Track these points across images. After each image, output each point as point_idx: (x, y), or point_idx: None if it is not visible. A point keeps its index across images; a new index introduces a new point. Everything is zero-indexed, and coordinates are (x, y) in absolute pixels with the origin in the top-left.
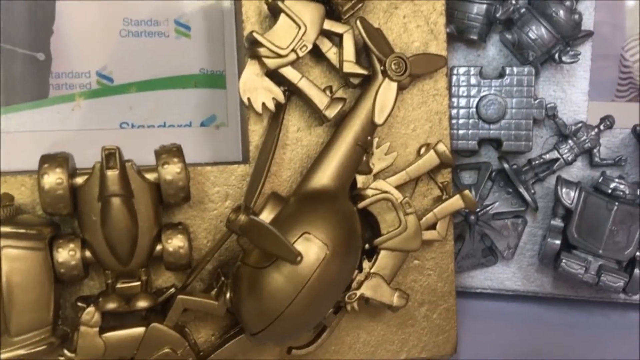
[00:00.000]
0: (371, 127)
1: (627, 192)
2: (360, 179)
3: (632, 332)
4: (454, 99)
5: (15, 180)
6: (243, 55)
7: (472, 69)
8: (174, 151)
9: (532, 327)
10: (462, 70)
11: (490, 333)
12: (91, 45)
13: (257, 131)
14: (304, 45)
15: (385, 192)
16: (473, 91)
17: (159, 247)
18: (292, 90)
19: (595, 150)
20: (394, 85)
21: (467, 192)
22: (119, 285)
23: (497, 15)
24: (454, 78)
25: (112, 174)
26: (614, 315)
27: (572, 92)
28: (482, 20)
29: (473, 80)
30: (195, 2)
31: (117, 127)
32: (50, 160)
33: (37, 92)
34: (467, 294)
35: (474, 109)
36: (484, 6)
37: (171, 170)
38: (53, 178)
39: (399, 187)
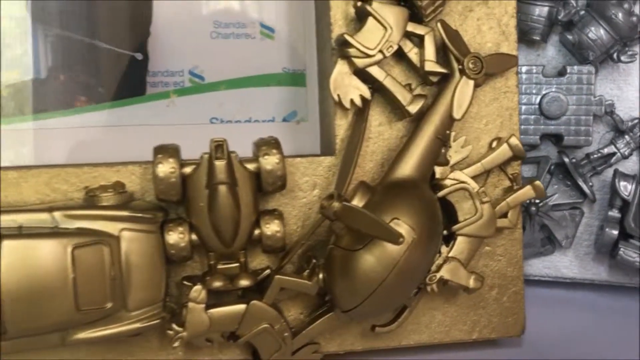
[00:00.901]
0: (450, 121)
1: None
2: (439, 170)
3: None
4: (521, 97)
5: (126, 170)
6: (323, 55)
7: (534, 67)
8: (273, 143)
9: (587, 313)
10: (524, 69)
11: (547, 318)
12: (184, 46)
13: (342, 125)
14: (390, 46)
15: (463, 182)
16: (536, 89)
17: (256, 232)
18: (376, 88)
19: None
20: (471, 83)
21: (538, 182)
22: (219, 266)
23: (560, 17)
24: (522, 76)
25: (220, 163)
26: None
27: (628, 90)
28: (544, 22)
29: (536, 79)
30: (279, 6)
31: (208, 122)
32: (163, 150)
33: (135, 89)
34: (525, 281)
35: (537, 106)
36: (546, 8)
37: (271, 161)
38: (167, 167)
39: (473, 178)
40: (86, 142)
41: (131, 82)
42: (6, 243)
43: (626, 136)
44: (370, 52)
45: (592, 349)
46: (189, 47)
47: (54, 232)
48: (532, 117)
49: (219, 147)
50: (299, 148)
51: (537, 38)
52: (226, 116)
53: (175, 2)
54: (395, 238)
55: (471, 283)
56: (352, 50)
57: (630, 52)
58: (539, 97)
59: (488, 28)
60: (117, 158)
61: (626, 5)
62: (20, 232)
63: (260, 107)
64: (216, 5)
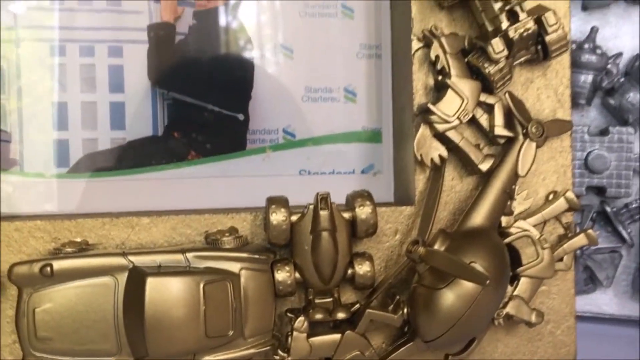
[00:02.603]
0: (515, 178)
1: None
2: (504, 219)
3: None
4: None
5: (239, 216)
6: (401, 117)
7: (582, 127)
8: (366, 196)
9: (625, 347)
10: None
11: (590, 351)
12: (279, 108)
13: (421, 179)
14: (466, 114)
15: (526, 230)
16: (581, 147)
17: (350, 271)
18: (451, 148)
19: None
20: (534, 144)
21: (590, 231)
22: (317, 301)
23: (603, 85)
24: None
25: (324, 213)
26: None
27: None
28: (589, 88)
29: (581, 138)
30: (361, 74)
31: (297, 174)
32: (276, 201)
33: (237, 145)
34: None
35: (583, 162)
36: (590, 76)
37: (365, 211)
38: (280, 216)
39: (534, 226)
40: (196, 191)
41: (233, 139)
42: (150, 280)
43: None
44: (449, 119)
45: None
46: (283, 108)
47: (189, 271)
48: (578, 171)
49: (323, 199)
50: (374, 196)
51: (583, 102)
52: (313, 168)
53: (273, 70)
54: (483, 279)
55: (533, 318)
56: (434, 117)
57: None
58: (584, 154)
59: (546, 97)
60: (221, 205)
61: None
62: (159, 270)
63: (342, 160)
64: (307, 73)
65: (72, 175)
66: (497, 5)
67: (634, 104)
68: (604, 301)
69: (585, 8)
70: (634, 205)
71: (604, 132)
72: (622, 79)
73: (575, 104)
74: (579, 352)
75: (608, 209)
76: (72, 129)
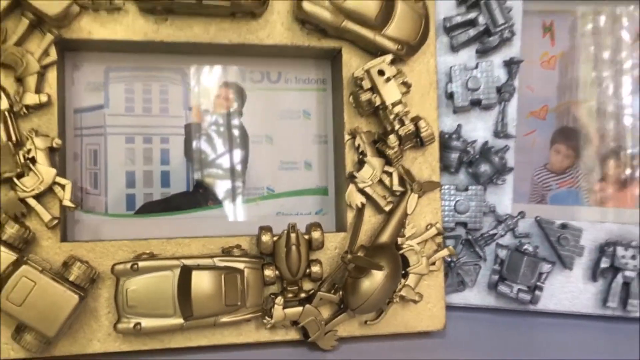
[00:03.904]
0: (405, 215)
1: (531, 251)
2: (399, 240)
3: (537, 327)
4: (444, 202)
5: (242, 238)
6: (339, 179)
7: (451, 186)
8: (318, 225)
9: (484, 326)
10: (446, 187)
11: (460, 329)
12: (265, 174)
13: (350, 216)
14: (376, 178)
15: (412, 246)
16: (453, 197)
17: (307, 270)
18: (368, 197)
19: (516, 229)
20: (416, 196)
21: (451, 247)
22: (288, 288)
23: (465, 160)
24: (445, 191)
25: (293, 235)
26: (526, 318)
27: (503, 198)
28: (456, 161)
29: (452, 192)
30: (313, 153)
31: (275, 215)
32: (265, 229)
33: (236, 197)
34: (448, 307)
35: (453, 206)
36: (457, 154)
37: (317, 234)
38: (267, 237)
39: (418, 244)
40: (214, 224)
41: (235, 193)
42: (194, 272)
43: (502, 224)
44: (366, 181)
45: (487, 344)
46: (267, 174)
47: (215, 267)
48: (451, 212)
49: (292, 227)
50: (323, 227)
51: (453, 170)
52: (285, 211)
53: (260, 151)
54: (380, 268)
55: (417, 298)
56: (357, 180)
57: (502, 179)
58: (454, 202)
59: (425, 167)
60: (229, 233)
61: (500, 154)
62: (198, 267)
63: (303, 206)
64: (282, 152)
65: (137, 215)
66: (389, 117)
67: (483, 172)
68: (471, 296)
69: (455, 112)
70: (485, 235)
71: (466, 189)
72: (477, 157)
73: (449, 172)
74: (456, 332)
75: (470, 237)
76: (137, 187)
